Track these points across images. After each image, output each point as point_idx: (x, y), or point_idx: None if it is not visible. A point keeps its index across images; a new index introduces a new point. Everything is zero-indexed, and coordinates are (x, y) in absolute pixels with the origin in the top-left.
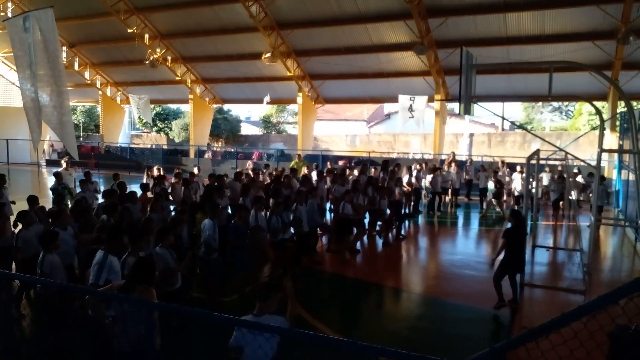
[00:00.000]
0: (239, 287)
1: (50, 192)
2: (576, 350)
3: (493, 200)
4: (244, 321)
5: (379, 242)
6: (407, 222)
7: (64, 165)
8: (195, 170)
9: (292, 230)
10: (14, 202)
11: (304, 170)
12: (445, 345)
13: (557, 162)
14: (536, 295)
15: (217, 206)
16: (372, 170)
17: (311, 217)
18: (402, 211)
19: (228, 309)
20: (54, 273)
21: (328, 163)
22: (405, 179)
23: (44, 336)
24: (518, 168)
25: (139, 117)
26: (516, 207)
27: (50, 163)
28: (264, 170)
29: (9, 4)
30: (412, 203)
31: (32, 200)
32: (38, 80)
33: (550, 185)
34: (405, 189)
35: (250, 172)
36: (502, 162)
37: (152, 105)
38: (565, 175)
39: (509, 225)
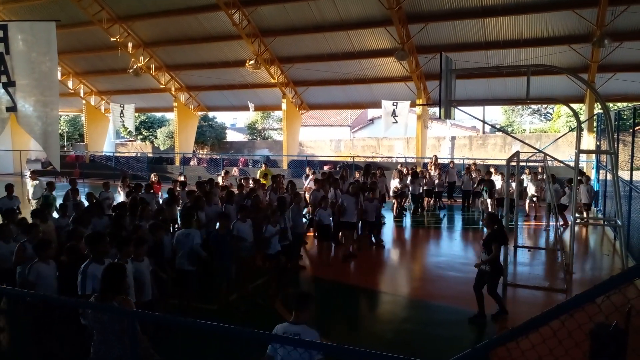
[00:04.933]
0: (223, 296)
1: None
2: (555, 348)
3: (482, 201)
4: (262, 334)
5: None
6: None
7: (28, 174)
8: (181, 178)
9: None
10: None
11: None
12: (430, 347)
13: (537, 164)
14: (518, 295)
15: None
16: (357, 174)
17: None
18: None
19: (208, 317)
20: (41, 282)
21: (307, 169)
22: (395, 182)
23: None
24: (492, 170)
25: (123, 126)
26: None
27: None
28: (222, 175)
29: None
30: (397, 206)
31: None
32: (19, 90)
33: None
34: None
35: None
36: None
37: (136, 114)
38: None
39: (484, 230)
